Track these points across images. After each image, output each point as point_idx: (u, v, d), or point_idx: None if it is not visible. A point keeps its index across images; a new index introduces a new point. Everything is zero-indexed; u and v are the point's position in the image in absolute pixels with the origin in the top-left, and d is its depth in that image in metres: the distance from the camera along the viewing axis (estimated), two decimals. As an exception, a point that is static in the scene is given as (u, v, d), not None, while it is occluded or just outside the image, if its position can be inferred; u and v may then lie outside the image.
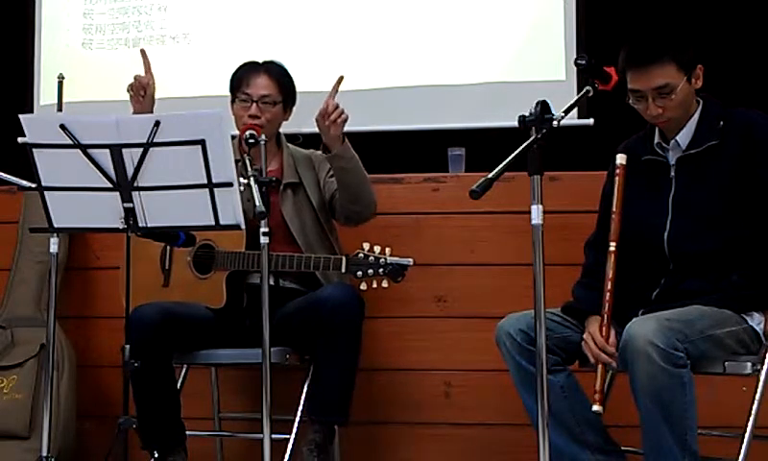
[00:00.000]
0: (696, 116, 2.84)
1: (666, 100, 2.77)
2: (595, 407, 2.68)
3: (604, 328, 2.73)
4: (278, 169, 3.40)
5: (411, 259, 3.02)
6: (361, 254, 3.03)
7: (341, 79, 3.22)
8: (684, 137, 2.84)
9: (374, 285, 3.02)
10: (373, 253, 3.03)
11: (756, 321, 2.74)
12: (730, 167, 2.77)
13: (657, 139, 2.90)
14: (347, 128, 3.21)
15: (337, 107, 3.17)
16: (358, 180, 3.28)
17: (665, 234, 2.81)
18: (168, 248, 3.34)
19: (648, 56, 2.76)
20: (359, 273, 3.02)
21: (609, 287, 2.76)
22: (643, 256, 2.84)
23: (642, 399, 2.54)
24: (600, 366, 2.71)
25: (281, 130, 3.47)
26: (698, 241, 2.76)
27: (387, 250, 3.03)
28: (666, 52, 2.76)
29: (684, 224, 2.79)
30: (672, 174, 2.85)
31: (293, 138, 3.54)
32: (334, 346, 3.08)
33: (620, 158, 2.87)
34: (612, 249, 2.79)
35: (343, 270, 3.06)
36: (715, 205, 2.77)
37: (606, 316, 2.75)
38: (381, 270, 3.00)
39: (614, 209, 2.82)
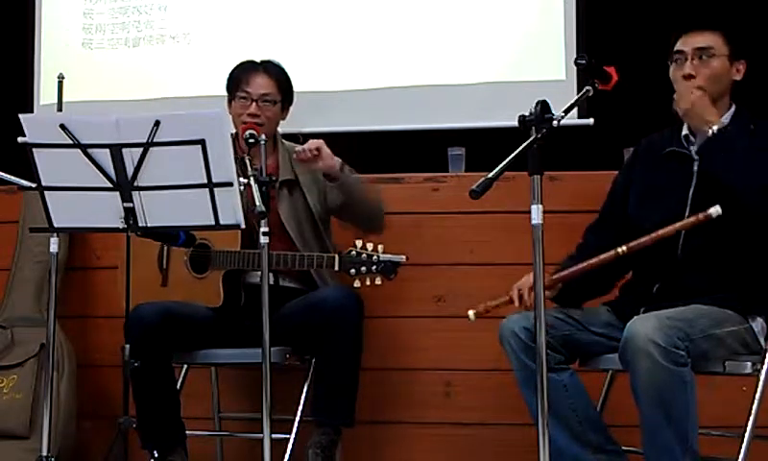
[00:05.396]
0: (729, 115, 2.85)
1: (703, 65, 2.79)
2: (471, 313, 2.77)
3: (547, 276, 2.65)
4: (274, 166, 3.39)
5: (404, 256, 2.99)
6: (354, 252, 3.01)
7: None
8: None
9: (368, 283, 2.99)
10: (366, 250, 3.00)
11: (757, 325, 2.73)
12: None
13: (685, 131, 2.89)
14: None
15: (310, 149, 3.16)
16: (363, 200, 3.30)
17: None
18: (165, 247, 3.34)
19: (701, 22, 2.84)
20: (352, 271, 2.99)
21: (590, 262, 2.78)
22: (654, 247, 2.78)
23: (643, 397, 2.53)
24: (507, 297, 2.81)
25: (279, 129, 3.47)
26: (712, 238, 2.73)
27: (380, 247, 3.00)
28: (719, 25, 2.84)
29: None
30: (695, 168, 2.83)
31: (293, 138, 3.54)
32: (336, 347, 3.08)
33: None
34: (620, 250, 2.75)
35: (336, 268, 3.03)
36: None
37: (564, 273, 2.80)
38: (374, 267, 2.97)
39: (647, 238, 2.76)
